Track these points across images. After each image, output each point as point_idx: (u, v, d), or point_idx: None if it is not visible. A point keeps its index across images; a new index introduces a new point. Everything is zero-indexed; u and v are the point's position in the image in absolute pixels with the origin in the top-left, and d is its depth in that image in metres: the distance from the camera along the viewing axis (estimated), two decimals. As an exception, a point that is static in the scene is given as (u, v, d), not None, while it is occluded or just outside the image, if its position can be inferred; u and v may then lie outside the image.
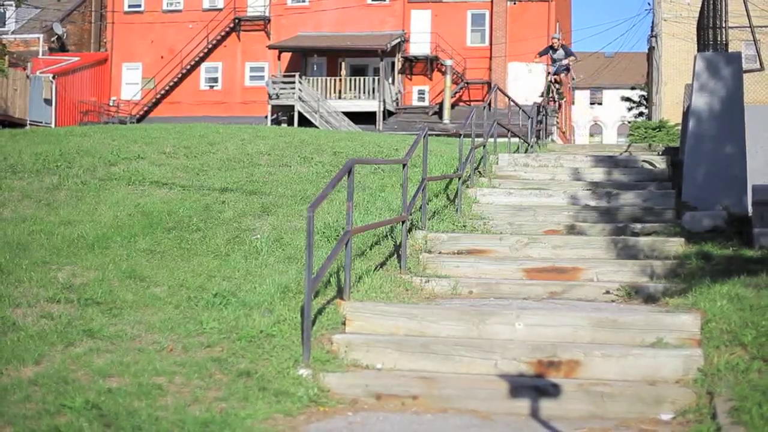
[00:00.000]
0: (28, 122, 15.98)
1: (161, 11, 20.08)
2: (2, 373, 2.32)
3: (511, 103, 7.98)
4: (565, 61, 8.35)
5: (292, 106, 17.99)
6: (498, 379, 2.40)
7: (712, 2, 4.86)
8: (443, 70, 18.35)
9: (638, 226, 4.14)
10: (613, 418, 2.27)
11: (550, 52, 8.48)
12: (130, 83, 20.08)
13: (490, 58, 18.82)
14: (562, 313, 2.76)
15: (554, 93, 8.48)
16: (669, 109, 14.96)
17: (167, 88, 19.81)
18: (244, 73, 19.87)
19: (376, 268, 3.36)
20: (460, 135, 5.05)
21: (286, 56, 19.20)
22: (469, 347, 2.54)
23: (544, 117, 8.33)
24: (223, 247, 3.68)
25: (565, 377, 2.43)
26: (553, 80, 8.44)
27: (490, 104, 6.19)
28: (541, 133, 7.94)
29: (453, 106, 18.23)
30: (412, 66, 19.45)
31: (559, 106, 9.17)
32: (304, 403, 2.28)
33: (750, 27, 5.11)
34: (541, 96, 8.59)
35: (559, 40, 8.53)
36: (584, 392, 2.32)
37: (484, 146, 5.56)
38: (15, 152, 5.61)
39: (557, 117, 9.10)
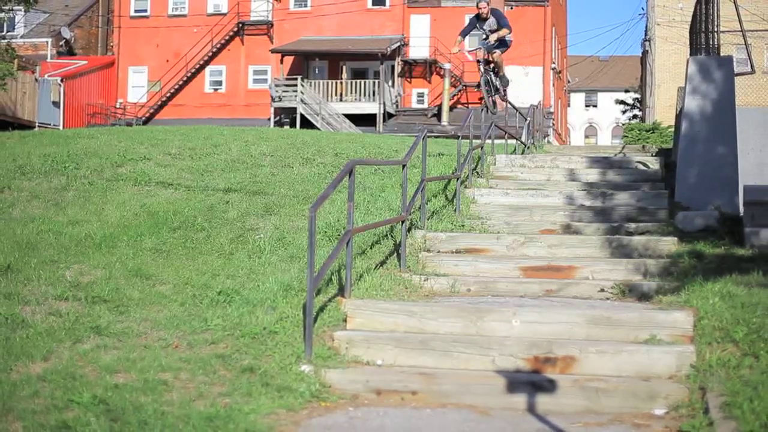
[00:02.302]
0: (36, 124, 16.00)
1: (167, 16, 20.26)
2: (12, 369, 2.36)
3: (508, 106, 8.03)
4: (496, 35, 5.40)
5: (295, 109, 18.13)
6: (495, 375, 2.44)
7: (704, 7, 4.92)
8: (442, 73, 18.48)
9: (632, 225, 4.18)
10: (608, 412, 2.30)
11: (477, 25, 5.54)
12: (137, 86, 20.25)
13: (488, 61, 18.90)
14: (557, 311, 2.80)
15: (493, 83, 5.59)
16: (662, 112, 15.04)
17: (172, 90, 19.96)
18: (248, 76, 20.04)
19: (376, 266, 3.41)
20: (459, 136, 5.08)
21: (289, 60, 19.35)
22: (467, 344, 2.58)
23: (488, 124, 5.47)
24: (227, 246, 3.73)
25: (561, 373, 2.47)
26: (484, 64, 5.50)
27: (487, 106, 6.26)
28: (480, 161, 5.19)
29: (451, 108, 18.34)
30: (412, 69, 19.59)
31: (504, 92, 5.86)
32: (306, 399, 2.32)
33: (741, 31, 5.17)
34: (481, 96, 5.61)
35: (488, 4, 5.48)
36: (579, 388, 2.35)
37: (482, 147, 5.61)
38: (24, 154, 5.69)
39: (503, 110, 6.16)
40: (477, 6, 5.63)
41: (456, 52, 5.76)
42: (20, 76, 15.45)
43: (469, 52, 5.91)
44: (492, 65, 5.65)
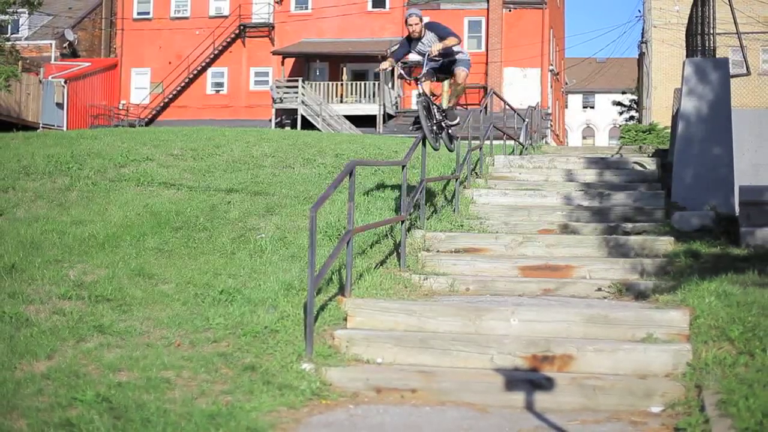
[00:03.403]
0: (40, 125, 16.08)
1: (169, 18, 20.36)
2: (16, 367, 2.39)
3: (507, 107, 8.07)
4: (441, 44, 3.74)
5: (296, 110, 18.23)
6: (494, 373, 2.47)
7: (700, 10, 4.95)
8: (441, 74, 18.54)
9: (629, 225, 4.22)
10: (605, 410, 2.33)
11: (411, 45, 3.93)
12: (139, 88, 20.34)
13: (487, 64, 19.12)
14: (555, 310, 2.82)
15: (436, 118, 3.92)
16: (659, 113, 15.09)
17: (175, 92, 20.06)
18: (249, 78, 20.14)
19: (376, 266, 3.44)
20: (458, 138, 5.10)
21: (290, 62, 19.45)
22: (466, 342, 2.61)
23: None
24: (228, 245, 3.76)
25: (559, 371, 2.50)
26: (425, 98, 3.88)
27: (486, 108, 6.28)
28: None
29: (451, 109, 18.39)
30: (411, 71, 19.61)
31: (450, 133, 4.12)
32: (306, 397, 2.34)
33: (737, 33, 5.22)
34: (419, 123, 3.80)
35: (420, 20, 3.86)
36: (577, 386, 2.38)
37: (481, 148, 5.66)
38: (28, 154, 5.71)
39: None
40: (406, 23, 3.93)
41: (385, 68, 3.95)
42: (24, 78, 15.55)
43: (417, 78, 3.86)
44: (433, 96, 3.99)
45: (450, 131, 4.33)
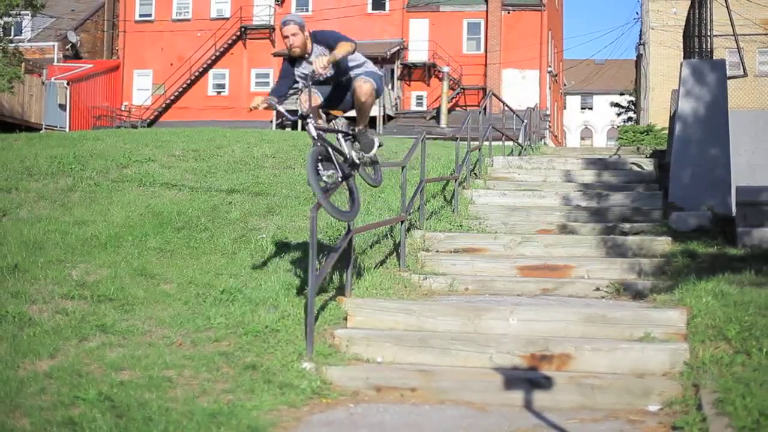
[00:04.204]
0: (43, 126, 16.09)
1: (171, 20, 20.45)
2: (19, 366, 2.40)
3: (505, 108, 8.12)
4: (325, 59, 2.61)
5: (296, 111, 18.24)
6: (493, 372, 2.48)
7: (697, 12, 4.99)
8: (440, 76, 18.65)
9: (627, 225, 4.25)
10: (603, 409, 2.34)
11: (296, 70, 2.85)
12: (141, 89, 20.42)
13: (485, 65, 19.23)
14: (554, 309, 2.84)
15: (343, 153, 2.85)
16: (656, 114, 15.14)
17: (176, 93, 20.15)
18: (250, 80, 20.23)
19: (376, 266, 3.46)
20: (457, 138, 5.18)
21: (290, 63, 19.67)
22: (465, 341, 2.63)
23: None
24: (229, 246, 3.79)
25: (557, 370, 2.51)
26: (320, 145, 2.71)
27: (485, 109, 6.32)
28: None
29: (450, 110, 18.52)
30: (411, 72, 19.78)
31: (374, 164, 3.04)
32: (307, 395, 2.36)
33: (734, 35, 5.26)
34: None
35: (301, 30, 2.76)
36: (575, 384, 2.39)
37: (480, 149, 5.69)
38: (31, 155, 5.73)
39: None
40: (284, 38, 2.77)
41: (253, 108, 2.77)
42: (27, 80, 15.56)
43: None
44: (341, 121, 2.90)
45: (371, 157, 2.96)
